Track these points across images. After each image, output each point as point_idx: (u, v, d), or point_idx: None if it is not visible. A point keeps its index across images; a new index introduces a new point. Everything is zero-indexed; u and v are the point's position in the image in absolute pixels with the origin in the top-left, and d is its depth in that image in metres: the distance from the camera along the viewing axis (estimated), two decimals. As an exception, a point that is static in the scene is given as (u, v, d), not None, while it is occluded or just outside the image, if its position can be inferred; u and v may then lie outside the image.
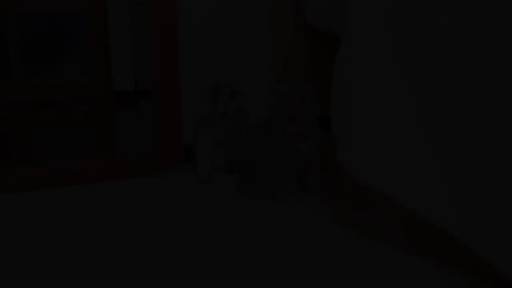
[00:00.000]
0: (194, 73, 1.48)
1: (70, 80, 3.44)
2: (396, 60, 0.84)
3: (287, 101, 1.08)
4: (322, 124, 1.25)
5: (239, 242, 0.93)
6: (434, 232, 0.88)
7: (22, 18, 3.27)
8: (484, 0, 0.67)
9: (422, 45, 0.77)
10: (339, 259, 0.86)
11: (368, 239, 0.94)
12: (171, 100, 1.43)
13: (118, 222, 1.03)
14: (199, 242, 0.92)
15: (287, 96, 1.09)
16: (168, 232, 0.98)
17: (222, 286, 0.76)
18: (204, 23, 1.48)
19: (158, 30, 1.39)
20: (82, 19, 3.44)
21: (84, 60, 3.49)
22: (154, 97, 1.54)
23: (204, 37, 1.48)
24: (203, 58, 1.49)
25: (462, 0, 0.70)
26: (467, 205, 0.71)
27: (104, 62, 3.46)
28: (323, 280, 0.78)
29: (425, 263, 0.84)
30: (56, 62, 3.44)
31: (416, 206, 0.79)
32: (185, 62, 1.46)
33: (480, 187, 0.69)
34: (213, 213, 1.09)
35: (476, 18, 0.68)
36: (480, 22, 0.67)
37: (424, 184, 0.77)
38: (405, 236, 0.94)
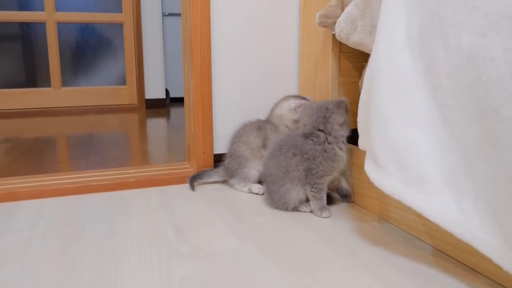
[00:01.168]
0: (222, 83, 1.53)
1: (105, 88, 3.57)
2: (421, 78, 0.86)
3: (326, 111, 1.16)
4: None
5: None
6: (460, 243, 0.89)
7: (60, 28, 3.42)
8: None
9: (451, 65, 0.79)
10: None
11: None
12: (203, 109, 1.48)
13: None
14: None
15: (327, 107, 1.16)
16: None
17: None
18: (234, 32, 1.53)
19: (193, 40, 1.44)
20: (118, 30, 3.57)
21: (118, 69, 3.61)
22: (186, 107, 1.59)
23: (233, 47, 1.53)
24: (233, 69, 1.54)
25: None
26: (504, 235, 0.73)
27: (137, 71, 3.58)
28: None
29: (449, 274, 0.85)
30: (92, 71, 3.57)
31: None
32: (215, 72, 1.51)
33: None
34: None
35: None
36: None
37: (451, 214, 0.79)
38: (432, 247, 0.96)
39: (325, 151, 1.13)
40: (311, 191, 1.15)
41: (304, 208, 1.18)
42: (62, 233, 1.05)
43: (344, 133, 1.18)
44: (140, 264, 0.89)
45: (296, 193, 1.16)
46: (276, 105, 1.39)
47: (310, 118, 1.17)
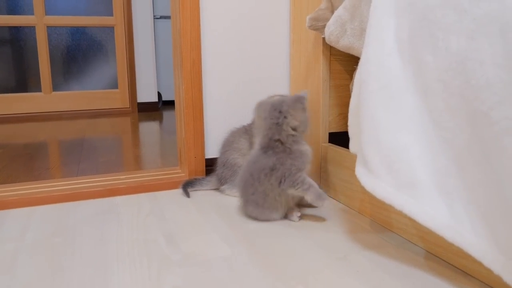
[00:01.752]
0: (213, 88, 1.52)
1: (96, 92, 3.55)
2: (411, 82, 0.86)
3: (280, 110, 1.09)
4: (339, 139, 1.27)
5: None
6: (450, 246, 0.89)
7: (50, 32, 3.40)
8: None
9: (440, 68, 0.79)
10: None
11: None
12: (194, 114, 1.47)
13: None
14: (219, 255, 0.95)
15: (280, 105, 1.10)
16: (189, 244, 1.01)
17: None
18: (224, 36, 1.52)
19: (183, 42, 1.43)
20: (109, 33, 3.55)
21: (110, 73, 3.59)
22: (177, 112, 1.58)
23: (223, 51, 1.52)
24: (224, 73, 1.53)
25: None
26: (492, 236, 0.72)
27: (129, 74, 3.56)
28: None
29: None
30: (83, 75, 3.55)
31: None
32: (206, 76, 1.51)
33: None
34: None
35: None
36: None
37: (444, 217, 0.79)
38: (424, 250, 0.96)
39: (290, 153, 1.09)
40: (296, 188, 1.08)
41: (294, 217, 1.15)
42: (51, 242, 1.04)
43: (301, 132, 1.12)
44: (130, 273, 0.88)
45: (281, 210, 1.14)
46: None
47: (263, 123, 1.11)
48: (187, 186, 1.39)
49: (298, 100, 1.10)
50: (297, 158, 1.09)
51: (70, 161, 1.91)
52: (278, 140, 1.09)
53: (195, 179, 1.42)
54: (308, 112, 1.13)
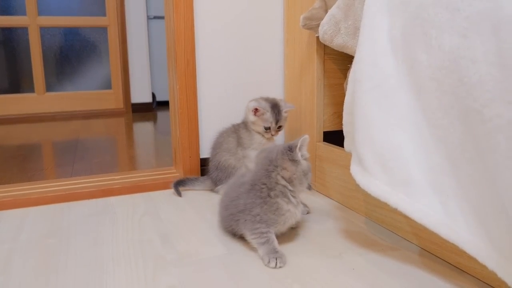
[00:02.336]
0: (207, 88, 1.52)
1: (90, 93, 3.53)
2: (405, 80, 0.86)
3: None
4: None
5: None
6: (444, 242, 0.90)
7: (43, 32, 3.38)
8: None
9: (433, 66, 0.79)
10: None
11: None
12: (189, 114, 1.47)
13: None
14: (215, 254, 0.95)
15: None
16: (185, 244, 1.01)
17: None
18: (218, 36, 1.52)
19: (177, 43, 1.43)
20: (102, 33, 3.53)
21: (103, 73, 3.58)
22: (171, 112, 1.58)
23: (218, 52, 1.52)
24: (218, 73, 1.53)
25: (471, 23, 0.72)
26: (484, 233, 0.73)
27: (123, 75, 3.55)
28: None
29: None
30: (76, 76, 3.53)
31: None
32: (200, 76, 1.50)
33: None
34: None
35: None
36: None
37: (437, 213, 0.80)
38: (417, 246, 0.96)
39: (265, 204, 0.96)
40: (252, 239, 0.96)
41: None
42: (46, 243, 1.03)
43: (297, 187, 0.98)
44: (125, 274, 0.88)
45: None
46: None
47: (256, 166, 1.03)
48: (179, 185, 1.39)
49: (286, 151, 0.98)
50: (269, 212, 0.95)
51: (64, 162, 1.90)
52: (265, 184, 0.97)
53: (187, 178, 1.42)
54: (301, 165, 0.98)
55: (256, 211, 0.96)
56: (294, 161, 0.97)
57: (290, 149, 0.98)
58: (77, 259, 0.95)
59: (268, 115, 1.31)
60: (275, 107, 1.32)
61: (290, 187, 0.97)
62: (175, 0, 1.40)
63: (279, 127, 1.34)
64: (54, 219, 1.19)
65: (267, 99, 1.34)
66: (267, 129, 1.31)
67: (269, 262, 0.90)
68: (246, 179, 1.03)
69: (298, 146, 0.97)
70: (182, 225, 1.13)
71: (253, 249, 0.97)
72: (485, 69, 0.68)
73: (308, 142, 1.00)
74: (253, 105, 1.32)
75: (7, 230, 1.12)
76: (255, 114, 1.32)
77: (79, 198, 1.33)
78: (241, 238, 1.01)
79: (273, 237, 0.96)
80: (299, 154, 0.98)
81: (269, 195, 0.96)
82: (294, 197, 0.98)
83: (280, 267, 0.90)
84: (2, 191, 1.35)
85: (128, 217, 1.19)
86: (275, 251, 0.92)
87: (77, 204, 1.30)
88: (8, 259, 0.95)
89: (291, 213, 0.97)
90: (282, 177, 0.97)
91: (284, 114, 1.34)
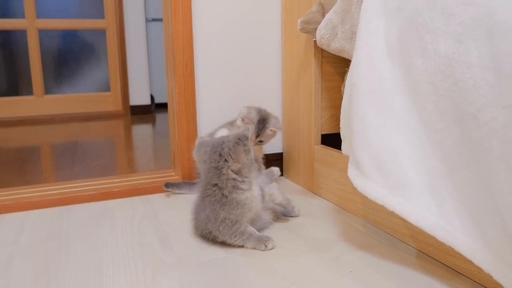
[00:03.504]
0: (206, 90, 1.53)
1: (88, 95, 3.54)
2: (401, 84, 0.87)
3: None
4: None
5: (252, 257, 0.96)
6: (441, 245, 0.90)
7: (41, 35, 3.38)
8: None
9: (429, 71, 0.80)
10: (349, 274, 0.88)
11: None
12: (187, 117, 1.47)
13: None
14: (214, 257, 0.96)
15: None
16: (184, 247, 1.02)
17: None
18: (216, 39, 1.53)
19: (175, 45, 1.44)
20: (100, 36, 3.54)
21: (102, 76, 3.58)
22: (170, 115, 1.59)
23: (216, 56, 1.53)
24: (217, 76, 1.54)
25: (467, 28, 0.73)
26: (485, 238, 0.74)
27: (121, 77, 3.55)
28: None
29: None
30: (75, 78, 3.54)
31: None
32: (199, 80, 1.51)
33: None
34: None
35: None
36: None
37: (434, 217, 0.81)
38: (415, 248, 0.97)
39: (225, 205, 0.97)
40: (235, 241, 0.99)
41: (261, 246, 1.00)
42: (46, 247, 1.04)
43: (246, 175, 0.99)
44: (125, 277, 0.88)
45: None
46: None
47: (203, 166, 1.01)
48: (171, 186, 1.41)
49: (240, 141, 0.97)
50: (232, 210, 0.97)
51: (63, 165, 1.91)
52: (216, 185, 0.97)
53: (183, 182, 1.44)
54: (251, 153, 1.00)
55: (222, 215, 0.97)
56: (247, 151, 0.98)
57: (243, 139, 0.98)
58: (76, 262, 0.95)
59: (252, 127, 1.35)
60: (262, 121, 1.35)
61: (239, 178, 0.97)
62: (174, 3, 1.41)
63: (260, 141, 1.36)
64: (54, 222, 1.19)
65: (259, 112, 1.37)
66: None
67: (265, 246, 0.98)
68: (199, 183, 1.03)
69: (248, 135, 0.99)
70: (181, 228, 1.14)
71: (252, 252, 0.98)
72: (480, 74, 0.69)
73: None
74: (243, 113, 1.36)
75: (7, 233, 1.12)
76: (242, 121, 1.36)
77: (78, 201, 1.34)
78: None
79: (251, 228, 1.00)
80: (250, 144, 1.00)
81: (223, 195, 0.97)
82: (244, 182, 0.98)
83: (272, 247, 0.99)
84: (2, 194, 1.35)
85: (127, 220, 1.20)
86: (262, 238, 0.99)
87: (76, 207, 1.31)
88: (8, 262, 0.96)
89: (250, 199, 0.99)
90: (232, 171, 0.97)
91: (268, 132, 1.36)
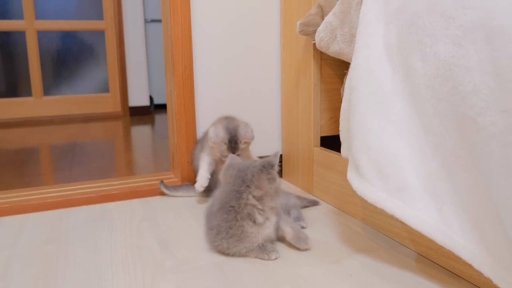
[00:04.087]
0: (205, 92, 1.53)
1: (87, 96, 3.54)
2: (400, 87, 0.87)
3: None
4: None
5: (252, 260, 0.96)
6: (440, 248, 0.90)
7: (40, 36, 3.38)
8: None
9: (428, 74, 0.80)
10: (348, 277, 0.88)
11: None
12: (186, 119, 1.47)
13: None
14: (213, 260, 0.96)
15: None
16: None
17: None
18: (215, 41, 1.53)
19: (174, 45, 1.43)
20: (99, 37, 3.54)
21: (101, 77, 3.58)
22: (169, 117, 1.59)
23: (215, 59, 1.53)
24: (216, 78, 1.54)
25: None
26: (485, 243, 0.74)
27: (120, 78, 3.55)
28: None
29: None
30: (74, 79, 3.53)
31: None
32: (198, 82, 1.51)
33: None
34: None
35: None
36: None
37: (434, 221, 0.81)
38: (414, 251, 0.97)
39: (231, 228, 0.95)
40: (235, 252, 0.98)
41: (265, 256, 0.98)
42: (44, 250, 1.03)
43: (267, 204, 0.96)
44: (124, 280, 0.88)
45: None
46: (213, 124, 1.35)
47: (227, 185, 0.98)
48: (167, 188, 1.41)
49: (265, 169, 0.95)
50: (232, 236, 0.95)
51: (62, 166, 1.91)
52: (233, 207, 0.95)
53: (183, 184, 1.44)
54: (276, 182, 0.96)
55: (222, 235, 0.96)
56: (271, 179, 0.95)
57: (267, 167, 0.95)
58: (75, 265, 0.95)
59: (224, 148, 1.27)
60: (233, 139, 1.27)
61: (259, 206, 0.95)
62: (173, 5, 1.41)
63: (238, 154, 1.28)
64: (53, 225, 1.19)
65: (227, 128, 1.28)
66: (224, 156, 1.27)
67: (269, 257, 0.96)
68: (216, 196, 1.01)
69: (275, 162, 0.95)
70: (180, 231, 1.13)
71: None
72: (479, 78, 0.69)
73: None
74: (211, 137, 1.27)
75: (5, 236, 1.12)
76: (214, 144, 1.28)
77: (77, 204, 1.34)
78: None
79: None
80: (276, 172, 0.96)
81: (235, 218, 0.94)
82: (261, 214, 0.95)
83: (278, 257, 0.97)
84: (0, 197, 1.35)
85: (126, 223, 1.20)
86: (266, 248, 0.97)
87: (75, 210, 1.31)
88: (7, 265, 0.96)
89: (255, 234, 0.95)
90: (253, 197, 0.94)
91: (241, 146, 1.28)
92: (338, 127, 1.06)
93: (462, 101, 0.73)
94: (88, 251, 1.02)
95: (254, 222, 0.95)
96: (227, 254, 0.99)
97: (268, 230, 0.97)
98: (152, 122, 3.27)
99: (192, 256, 0.99)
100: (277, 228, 1.01)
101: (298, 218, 1.15)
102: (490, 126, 0.67)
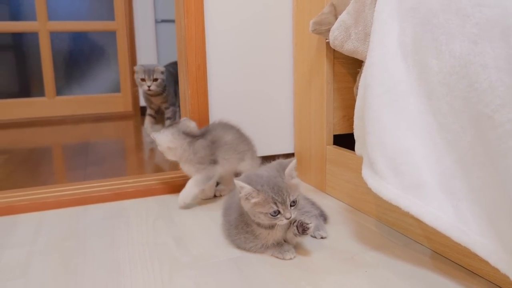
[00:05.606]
0: (218, 91, 1.54)
1: (99, 96, 3.57)
2: (415, 85, 0.87)
3: None
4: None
5: (267, 256, 0.97)
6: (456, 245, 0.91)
7: (52, 37, 3.42)
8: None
9: (444, 72, 0.81)
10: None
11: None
12: (200, 118, 1.49)
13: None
14: (229, 257, 0.97)
15: None
16: (199, 246, 1.03)
17: None
18: (228, 41, 1.54)
19: (188, 47, 1.45)
20: (111, 37, 3.57)
21: (112, 77, 3.61)
22: (183, 116, 1.60)
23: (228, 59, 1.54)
24: (229, 78, 1.55)
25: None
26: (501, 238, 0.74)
27: (131, 78, 3.58)
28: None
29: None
30: (86, 79, 3.57)
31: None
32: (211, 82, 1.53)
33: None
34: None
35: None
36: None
37: (449, 215, 0.81)
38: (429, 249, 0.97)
39: (247, 233, 0.98)
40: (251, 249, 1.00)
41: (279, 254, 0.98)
42: (63, 246, 1.05)
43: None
44: (142, 276, 0.90)
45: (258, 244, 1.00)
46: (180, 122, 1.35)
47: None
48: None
49: (278, 172, 0.94)
50: (248, 234, 0.98)
51: (76, 165, 1.93)
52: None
53: None
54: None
55: (239, 229, 0.99)
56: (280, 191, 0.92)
57: (280, 169, 0.94)
58: (94, 261, 0.97)
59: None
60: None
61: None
62: (186, 5, 1.42)
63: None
64: (71, 222, 1.21)
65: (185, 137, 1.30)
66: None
67: (283, 257, 0.96)
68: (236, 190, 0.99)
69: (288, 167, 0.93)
70: (195, 228, 1.15)
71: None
72: (495, 75, 0.70)
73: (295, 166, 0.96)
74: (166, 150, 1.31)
75: (25, 233, 1.14)
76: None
77: (94, 201, 1.36)
78: (254, 240, 1.02)
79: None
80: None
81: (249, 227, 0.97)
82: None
83: (293, 257, 0.96)
84: (18, 195, 1.37)
85: (142, 220, 1.21)
86: (282, 247, 0.97)
87: (92, 208, 1.33)
88: (27, 261, 0.98)
89: (264, 236, 0.96)
90: None
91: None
92: (351, 125, 1.07)
93: (478, 98, 0.73)
94: (106, 247, 1.04)
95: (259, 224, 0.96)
96: (243, 249, 1.00)
97: (279, 233, 0.97)
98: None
99: (208, 252, 1.00)
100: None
101: (318, 228, 1.08)
102: (507, 123, 0.68)
